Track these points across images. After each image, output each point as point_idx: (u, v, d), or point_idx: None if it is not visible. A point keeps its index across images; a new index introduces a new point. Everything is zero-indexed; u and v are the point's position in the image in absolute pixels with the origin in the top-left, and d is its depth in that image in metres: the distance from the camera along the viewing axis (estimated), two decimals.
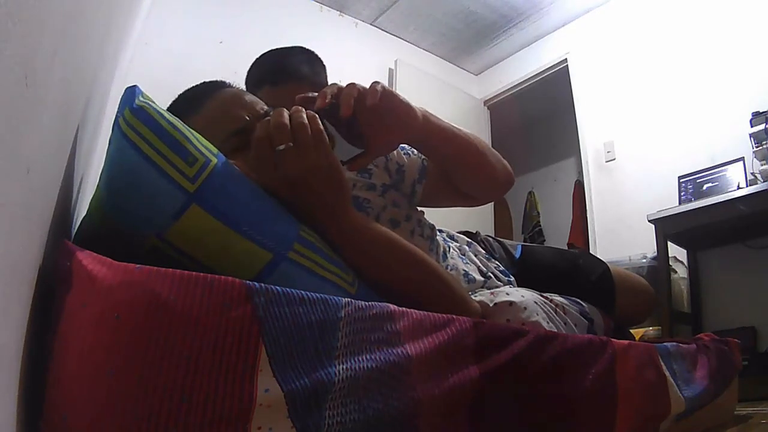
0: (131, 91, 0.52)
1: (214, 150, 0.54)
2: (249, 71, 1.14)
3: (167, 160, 0.49)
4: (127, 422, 0.34)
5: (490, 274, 1.05)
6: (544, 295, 0.93)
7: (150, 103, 0.52)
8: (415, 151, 0.95)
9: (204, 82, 0.81)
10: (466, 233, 1.19)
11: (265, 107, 0.76)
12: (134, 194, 0.49)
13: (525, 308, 0.81)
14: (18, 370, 0.34)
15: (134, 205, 0.49)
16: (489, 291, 0.89)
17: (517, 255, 1.19)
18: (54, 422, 0.34)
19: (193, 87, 0.82)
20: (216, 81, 0.81)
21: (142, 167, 0.48)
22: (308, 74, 1.10)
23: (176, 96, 0.82)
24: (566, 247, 3.92)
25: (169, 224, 0.49)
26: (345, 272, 0.59)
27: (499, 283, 1.04)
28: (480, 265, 1.06)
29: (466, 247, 1.10)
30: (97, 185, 0.50)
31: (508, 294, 0.84)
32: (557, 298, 0.94)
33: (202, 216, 0.49)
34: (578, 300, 0.99)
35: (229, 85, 0.80)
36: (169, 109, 0.77)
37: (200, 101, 0.75)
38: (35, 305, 0.38)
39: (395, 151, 0.94)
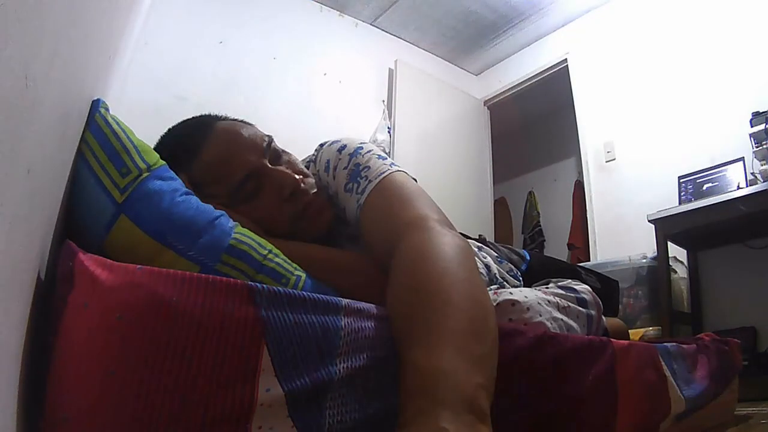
0: (95, 104, 0.54)
1: (153, 162, 0.55)
2: None
3: (104, 170, 0.50)
4: (128, 422, 0.34)
5: (500, 279, 1.04)
6: (546, 291, 0.92)
7: (104, 114, 0.53)
8: (358, 188, 0.73)
9: (190, 121, 0.78)
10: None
11: (265, 136, 0.77)
12: (82, 206, 0.50)
13: (528, 308, 0.81)
14: (18, 370, 0.34)
15: (82, 218, 0.50)
16: (492, 291, 0.88)
17: (527, 257, 1.19)
18: (55, 422, 0.34)
19: (180, 127, 0.78)
20: (203, 117, 0.78)
21: (85, 177, 0.50)
22: None
23: (165, 131, 0.78)
24: (566, 248, 3.93)
25: (104, 236, 0.49)
26: (276, 281, 0.56)
27: (507, 286, 1.04)
28: (495, 271, 1.04)
29: (476, 249, 1.10)
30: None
31: (511, 294, 0.84)
32: (555, 290, 0.93)
33: (129, 227, 0.49)
34: (573, 287, 0.97)
35: (218, 118, 0.78)
36: (159, 149, 0.72)
37: (197, 145, 0.72)
38: (35, 305, 0.38)
39: (341, 191, 0.76)
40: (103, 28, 0.60)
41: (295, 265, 0.60)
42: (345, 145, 0.79)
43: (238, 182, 0.71)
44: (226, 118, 0.79)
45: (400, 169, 0.73)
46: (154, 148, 0.73)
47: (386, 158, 0.76)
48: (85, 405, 0.34)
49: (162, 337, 0.36)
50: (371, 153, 0.76)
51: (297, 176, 0.75)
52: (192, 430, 0.35)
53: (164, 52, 2.51)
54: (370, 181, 0.70)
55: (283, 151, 0.80)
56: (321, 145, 0.86)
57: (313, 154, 0.88)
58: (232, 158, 0.71)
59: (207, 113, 0.81)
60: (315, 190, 0.77)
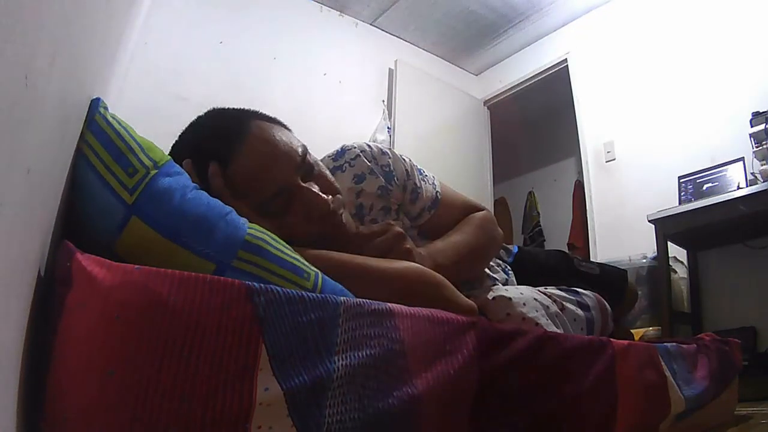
0: (94, 104, 0.53)
1: (159, 159, 0.54)
2: None
3: (110, 171, 0.49)
4: (127, 423, 0.34)
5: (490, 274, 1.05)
6: (540, 289, 0.93)
7: (104, 114, 0.53)
8: (430, 179, 0.98)
9: (226, 114, 0.74)
10: None
11: (300, 147, 0.73)
12: (89, 208, 0.49)
13: (524, 303, 0.82)
14: (18, 370, 0.34)
15: (91, 220, 0.49)
16: (488, 287, 0.89)
17: (515, 249, 1.21)
18: (54, 422, 0.34)
19: (213, 119, 0.73)
20: (237, 112, 0.74)
21: (90, 179, 0.49)
22: None
23: (195, 119, 0.75)
24: (566, 247, 3.92)
25: (116, 237, 0.48)
26: (298, 275, 0.54)
27: (498, 283, 1.05)
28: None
29: None
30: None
31: (507, 290, 0.85)
32: (553, 290, 0.94)
33: (142, 228, 0.48)
34: (575, 289, 0.98)
35: (255, 115, 0.74)
36: (186, 138, 0.72)
37: (230, 147, 0.68)
38: (35, 305, 0.38)
39: (415, 173, 0.94)
40: (102, 28, 0.60)
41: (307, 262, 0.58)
42: (393, 168, 0.90)
43: (268, 198, 0.69)
44: (262, 116, 0.75)
45: (439, 182, 0.99)
46: (180, 136, 0.73)
47: (425, 174, 0.98)
48: (84, 405, 0.34)
49: (160, 336, 0.36)
50: (422, 175, 0.97)
51: (327, 196, 0.73)
52: (191, 430, 0.35)
53: (164, 52, 2.51)
54: (436, 191, 0.97)
55: (316, 162, 0.76)
56: (354, 154, 0.90)
57: (342, 162, 0.89)
58: (265, 173, 0.68)
59: (240, 107, 0.76)
60: (342, 210, 0.75)
